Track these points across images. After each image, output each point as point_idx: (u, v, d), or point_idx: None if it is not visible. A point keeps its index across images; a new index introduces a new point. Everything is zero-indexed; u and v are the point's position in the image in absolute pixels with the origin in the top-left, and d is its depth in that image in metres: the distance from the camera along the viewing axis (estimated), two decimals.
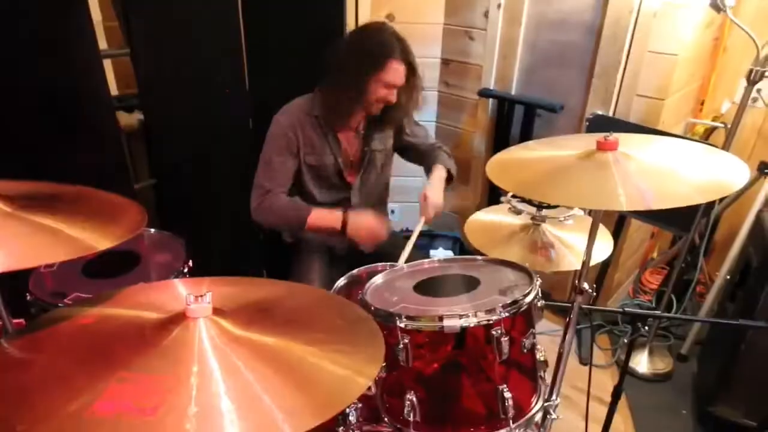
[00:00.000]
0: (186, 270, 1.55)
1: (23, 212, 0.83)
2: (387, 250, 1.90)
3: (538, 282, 1.09)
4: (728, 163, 0.98)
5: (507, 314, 0.99)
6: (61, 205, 0.88)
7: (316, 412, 0.70)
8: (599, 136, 1.02)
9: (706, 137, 2.42)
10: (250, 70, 2.13)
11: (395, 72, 1.62)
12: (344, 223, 1.70)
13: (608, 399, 1.55)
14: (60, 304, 1.36)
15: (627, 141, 1.04)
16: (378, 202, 1.97)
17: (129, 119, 2.19)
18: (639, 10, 2.00)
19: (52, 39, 1.63)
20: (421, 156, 1.96)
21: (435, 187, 1.79)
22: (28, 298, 1.38)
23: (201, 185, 2.16)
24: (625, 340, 2.35)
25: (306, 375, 0.78)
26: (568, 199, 0.98)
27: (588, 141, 1.05)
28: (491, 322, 0.97)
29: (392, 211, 2.76)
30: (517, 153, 1.15)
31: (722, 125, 2.30)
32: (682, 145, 1.10)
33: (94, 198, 0.96)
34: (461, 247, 2.80)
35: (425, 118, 2.77)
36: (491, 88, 2.50)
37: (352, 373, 0.79)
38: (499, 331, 0.97)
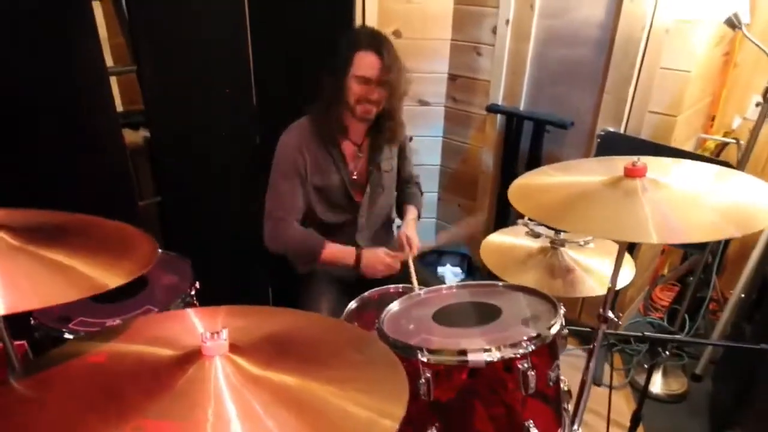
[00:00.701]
0: (193, 292, 1.52)
1: (31, 246, 0.79)
2: (396, 275, 1.87)
3: (562, 311, 1.05)
4: (762, 191, 0.94)
5: (533, 347, 0.95)
6: (70, 238, 0.85)
7: None
8: (626, 160, 0.98)
9: (717, 153, 2.40)
10: (257, 87, 2.11)
11: (363, 61, 1.57)
12: (358, 259, 1.69)
13: (622, 421, 1.51)
14: (64, 330, 1.34)
15: (652, 165, 1.01)
16: (385, 220, 1.94)
17: (134, 137, 2.16)
18: (651, 27, 1.98)
19: (59, 56, 1.61)
20: (400, 185, 1.99)
21: (412, 228, 1.89)
22: (32, 322, 1.35)
23: (206, 203, 2.13)
24: (638, 359, 2.31)
25: (329, 419, 0.74)
26: (594, 230, 0.95)
27: (613, 165, 1.02)
28: (517, 356, 0.94)
29: (398, 227, 2.72)
30: (539, 177, 1.12)
31: (734, 141, 2.27)
32: (709, 169, 1.07)
33: (102, 228, 0.93)
34: (469, 263, 2.76)
35: (432, 133, 2.75)
36: (499, 103, 2.48)
37: (377, 415, 0.75)
38: (525, 365, 0.94)
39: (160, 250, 1.63)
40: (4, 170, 1.58)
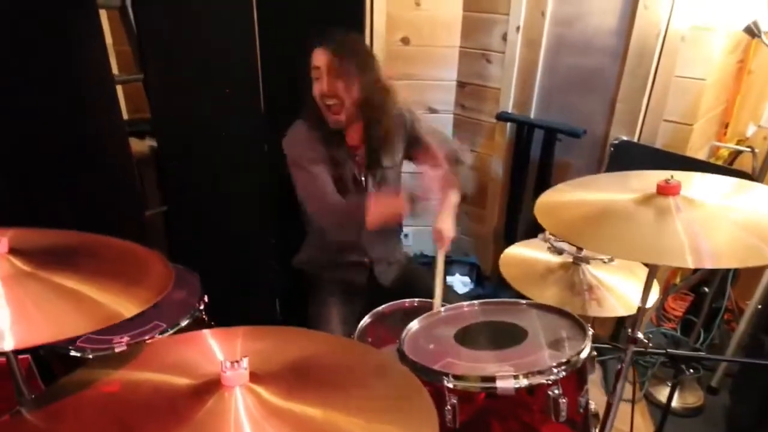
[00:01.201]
0: (202, 307, 1.49)
1: (42, 271, 0.75)
2: (406, 282, 1.83)
3: (590, 333, 1.01)
4: None
5: (563, 374, 0.91)
6: (81, 260, 0.81)
7: None
8: (658, 175, 0.94)
9: (730, 161, 2.36)
10: (265, 95, 2.08)
11: (315, 56, 1.61)
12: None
13: None
14: (71, 347, 1.30)
15: (682, 179, 0.97)
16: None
17: (140, 146, 2.13)
18: (666, 34, 1.95)
19: (66, 64, 1.58)
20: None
21: (447, 218, 1.64)
22: None
23: (213, 212, 2.10)
24: (653, 372, 2.27)
25: None
26: (624, 252, 0.90)
27: (642, 182, 0.98)
28: (549, 382, 0.90)
29: (405, 235, 2.69)
30: (564, 193, 1.08)
31: (748, 149, 2.24)
32: (730, 182, 1.03)
33: (113, 249, 0.89)
34: (478, 272, 2.73)
35: None
36: (509, 111, 2.45)
37: None
38: (556, 392, 0.90)
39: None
40: (11, 179, 1.55)
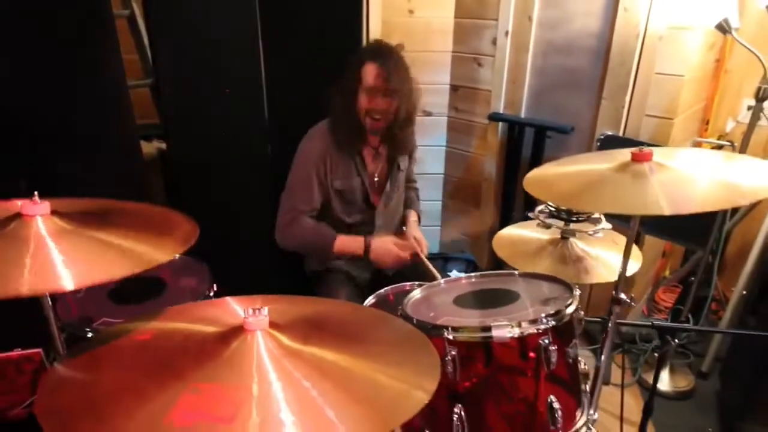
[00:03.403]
0: (212, 294, 1.55)
1: (84, 229, 0.84)
2: (409, 271, 1.91)
3: (577, 293, 1.10)
4: (756, 167, 1.01)
5: (553, 322, 1.00)
6: (116, 220, 0.90)
7: (378, 425, 0.70)
8: (628, 151, 1.05)
9: None
10: (268, 101, 2.18)
11: (369, 73, 1.65)
12: (367, 248, 1.74)
13: (632, 418, 1.55)
14: (87, 329, 1.36)
15: (657, 153, 1.08)
16: (399, 222, 2.00)
17: (148, 147, 2.22)
18: (645, 35, 2.07)
19: (83, 70, 1.68)
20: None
21: (416, 228, 1.99)
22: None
23: (218, 209, 2.17)
24: (645, 358, 2.34)
25: (365, 389, 0.78)
26: (610, 207, 1.02)
27: (617, 156, 1.09)
28: (539, 331, 0.99)
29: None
30: (551, 169, 1.18)
31: (728, 143, 2.35)
32: (709, 155, 1.14)
33: (143, 210, 0.99)
34: (475, 268, 2.81)
35: (435, 142, 2.82)
36: (501, 111, 2.56)
37: (410, 387, 0.79)
38: (547, 341, 0.98)
39: (176, 255, 1.68)
40: (31, 178, 1.63)
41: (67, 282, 0.71)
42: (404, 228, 1.97)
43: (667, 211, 0.88)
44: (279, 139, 2.07)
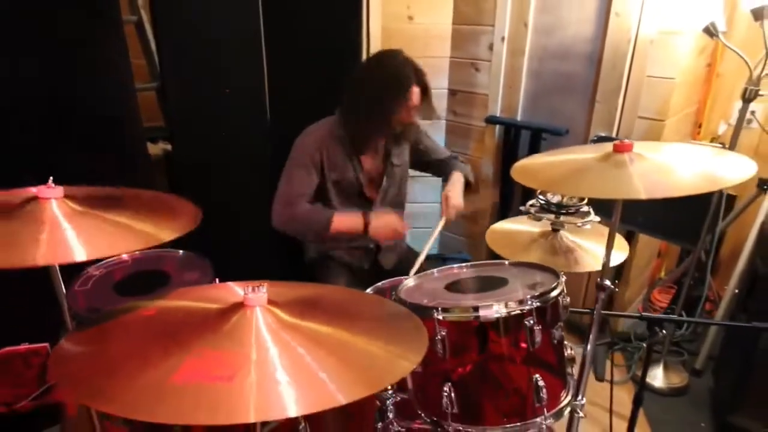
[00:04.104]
0: None
1: (95, 210, 0.90)
2: (405, 266, 1.97)
3: (563, 279, 1.15)
4: (734, 159, 1.07)
5: (538, 303, 1.05)
6: (125, 203, 0.96)
7: (366, 385, 0.75)
8: (611, 144, 1.11)
9: None
10: (270, 101, 2.25)
11: (417, 96, 1.76)
12: (366, 224, 1.78)
13: (627, 413, 1.59)
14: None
15: (639, 146, 1.14)
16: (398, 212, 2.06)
17: (154, 149, 2.29)
18: (636, 39, 2.13)
19: (94, 73, 1.75)
20: (438, 167, 2.10)
21: (455, 188, 1.94)
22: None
23: (221, 208, 2.23)
24: (639, 356, 2.38)
25: (356, 357, 0.84)
26: (591, 191, 1.07)
27: (601, 148, 1.15)
28: (524, 311, 1.03)
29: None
30: (538, 159, 1.24)
31: (720, 145, 2.40)
32: (690, 148, 1.19)
33: (149, 195, 1.05)
34: None
35: None
36: (498, 115, 2.62)
37: (397, 357, 0.85)
38: (531, 321, 1.03)
39: (180, 251, 1.74)
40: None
41: (79, 254, 0.77)
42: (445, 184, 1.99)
43: (643, 195, 0.93)
44: (280, 140, 2.14)
